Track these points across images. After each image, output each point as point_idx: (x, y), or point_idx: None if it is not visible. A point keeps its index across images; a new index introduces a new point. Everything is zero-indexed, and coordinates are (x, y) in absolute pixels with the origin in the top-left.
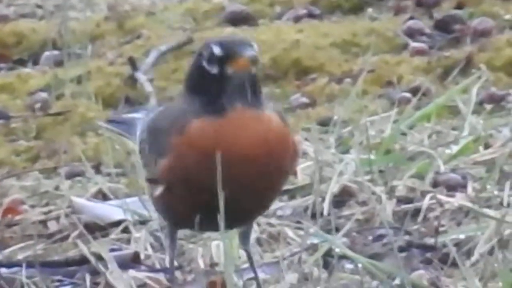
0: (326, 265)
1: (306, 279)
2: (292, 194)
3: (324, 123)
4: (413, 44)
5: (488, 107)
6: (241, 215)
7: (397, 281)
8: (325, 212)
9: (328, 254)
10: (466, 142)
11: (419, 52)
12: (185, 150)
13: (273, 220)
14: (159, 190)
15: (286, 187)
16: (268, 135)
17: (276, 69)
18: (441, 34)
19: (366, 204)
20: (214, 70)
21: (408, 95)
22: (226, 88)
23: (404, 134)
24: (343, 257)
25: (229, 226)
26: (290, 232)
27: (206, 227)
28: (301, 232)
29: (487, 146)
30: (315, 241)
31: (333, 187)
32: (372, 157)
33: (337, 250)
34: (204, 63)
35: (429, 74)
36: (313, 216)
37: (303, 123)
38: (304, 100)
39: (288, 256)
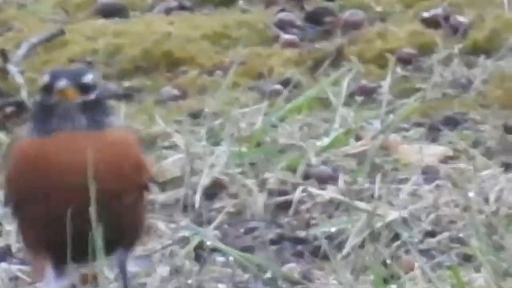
0: (198, 258)
1: (178, 272)
2: (163, 187)
3: (195, 115)
4: (284, 36)
5: (359, 99)
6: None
7: (268, 274)
8: (197, 205)
9: (200, 247)
10: (337, 134)
11: (290, 44)
12: (13, 163)
13: None
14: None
15: (156, 180)
16: (98, 153)
17: (147, 61)
18: (312, 26)
19: (237, 197)
20: (44, 98)
21: (279, 87)
22: (55, 114)
23: (275, 126)
24: (214, 250)
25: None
26: (161, 225)
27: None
28: (173, 225)
29: (358, 139)
30: (187, 233)
31: (204, 180)
32: (243, 149)
33: (208, 243)
34: (40, 92)
35: (300, 66)
36: (185, 208)
37: (174, 115)
38: (175, 92)
39: (160, 249)
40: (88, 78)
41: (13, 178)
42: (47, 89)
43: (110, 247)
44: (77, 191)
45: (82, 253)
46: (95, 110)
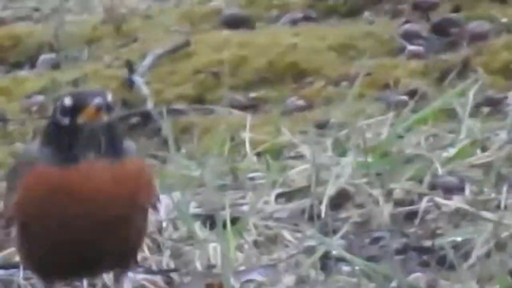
0: (323, 268)
1: (303, 282)
2: (289, 197)
3: (321, 125)
4: (410, 48)
5: (485, 110)
6: (97, 259)
7: (394, 284)
8: (322, 215)
9: (325, 256)
10: (463, 145)
11: (415, 55)
12: (27, 189)
13: (270, 223)
14: (14, 230)
15: (283, 189)
16: (114, 185)
17: (272, 72)
18: (437, 37)
19: (363, 207)
20: (66, 121)
21: (405, 98)
22: (78, 139)
23: (401, 137)
24: (340, 259)
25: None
26: (287, 235)
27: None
28: (299, 235)
29: (484, 149)
30: (312, 243)
31: (330, 190)
32: (369, 159)
33: (334, 252)
34: (57, 115)
35: (426, 77)
36: (310, 218)
37: (300, 126)
38: (301, 103)
39: (286, 258)
40: (110, 98)
41: (25, 203)
42: (70, 111)
43: (111, 266)
44: (95, 221)
45: (81, 272)
46: (113, 133)
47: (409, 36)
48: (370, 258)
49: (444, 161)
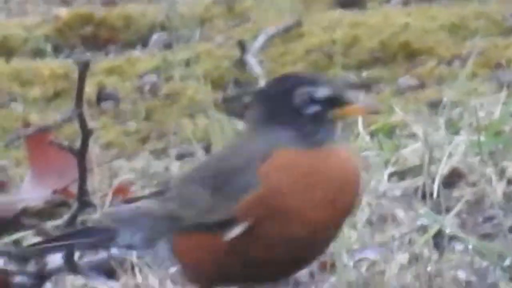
0: (437, 246)
1: (416, 260)
2: (402, 175)
3: (434, 105)
4: None
5: None
6: (310, 255)
7: (507, 262)
8: (435, 193)
9: (439, 234)
10: None
11: None
12: (277, 179)
13: (383, 201)
14: (235, 231)
15: (396, 168)
16: (353, 170)
17: (385, 52)
18: None
19: (476, 185)
20: (312, 110)
21: None
22: (322, 126)
23: None
24: (453, 237)
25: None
26: (400, 213)
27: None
28: (411, 213)
29: None
30: (425, 221)
31: (443, 169)
32: (482, 138)
33: (447, 230)
34: (299, 101)
35: None
36: (423, 197)
37: (412, 105)
38: (413, 82)
39: (399, 236)
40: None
41: (270, 194)
42: (323, 102)
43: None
44: (339, 209)
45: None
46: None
47: None
48: (484, 237)
49: None
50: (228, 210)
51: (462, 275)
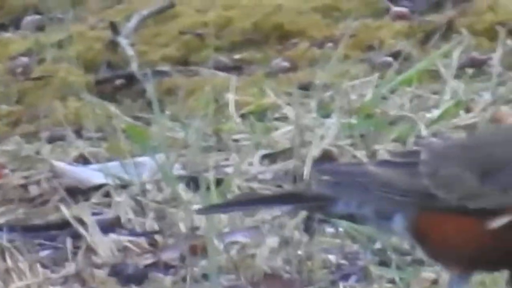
0: (307, 229)
1: (287, 243)
2: (272, 158)
3: (305, 87)
4: (395, 9)
5: (469, 71)
6: None
7: (378, 245)
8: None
9: (309, 218)
10: (447, 106)
11: (400, 17)
12: None
13: (254, 184)
14: (502, 220)
15: (267, 151)
16: None
17: (257, 33)
18: None
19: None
20: None
21: (389, 59)
22: None
23: (385, 98)
24: (323, 220)
25: None
26: None
27: None
28: None
29: (468, 111)
30: None
31: (314, 151)
32: (353, 121)
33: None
34: None
35: (411, 38)
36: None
37: (285, 87)
38: (286, 64)
39: (269, 220)
40: None
41: None
42: None
43: None
44: None
45: None
46: None
47: None
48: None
49: (428, 123)
50: (500, 200)
51: (332, 258)
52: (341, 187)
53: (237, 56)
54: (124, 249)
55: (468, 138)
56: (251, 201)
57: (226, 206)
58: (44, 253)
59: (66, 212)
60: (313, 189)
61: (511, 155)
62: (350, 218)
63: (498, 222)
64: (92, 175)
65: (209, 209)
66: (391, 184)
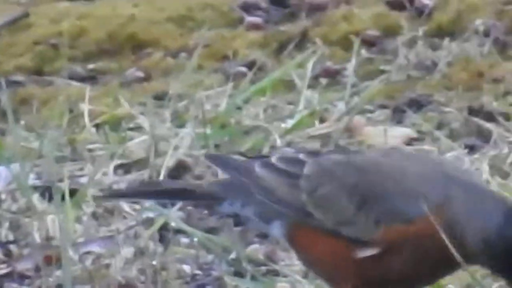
0: (162, 239)
1: (142, 253)
2: (128, 168)
3: (160, 97)
4: (249, 19)
5: (324, 81)
6: None
7: (232, 255)
8: None
9: (164, 228)
10: (302, 116)
11: (254, 27)
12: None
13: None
14: (367, 252)
15: (122, 161)
16: None
17: (112, 43)
18: (276, 8)
19: (202, 178)
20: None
21: (243, 69)
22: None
23: (239, 108)
24: (179, 231)
25: None
26: (125, 206)
27: None
28: (137, 206)
29: (322, 121)
30: (151, 215)
31: (169, 161)
32: (208, 131)
33: (172, 224)
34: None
35: (265, 48)
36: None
37: (139, 97)
38: (140, 74)
39: (124, 230)
40: None
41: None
42: None
43: None
44: None
45: None
46: None
47: (248, 7)
48: (209, 230)
49: (283, 132)
50: (370, 231)
51: (187, 268)
52: (229, 186)
53: (91, 66)
54: None
55: (353, 159)
56: (149, 192)
57: (125, 194)
58: None
59: None
60: (205, 187)
61: (389, 189)
62: (235, 218)
63: (366, 252)
64: None
65: (110, 196)
66: (271, 190)
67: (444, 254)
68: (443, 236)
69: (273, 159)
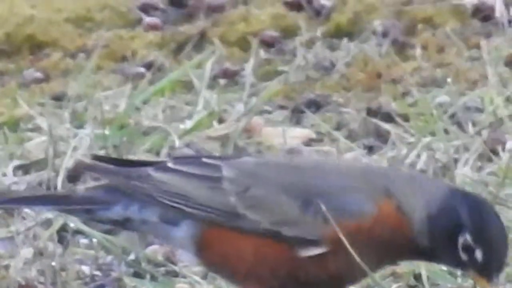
0: (61, 240)
1: (41, 254)
2: (26, 169)
3: (59, 98)
4: (147, 19)
5: (222, 82)
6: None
7: (132, 256)
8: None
9: (63, 229)
10: (201, 117)
11: (153, 27)
12: (384, 223)
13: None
14: (313, 251)
15: (21, 162)
16: None
17: (10, 44)
18: (175, 9)
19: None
20: (464, 257)
21: (142, 70)
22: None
23: (138, 109)
24: (77, 232)
25: None
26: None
27: None
28: (36, 208)
29: (221, 121)
30: (50, 216)
31: (68, 162)
32: (107, 132)
33: (71, 225)
34: (459, 244)
35: (163, 49)
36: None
37: (38, 98)
38: (38, 75)
39: (23, 231)
40: None
41: (359, 238)
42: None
43: None
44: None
45: None
46: None
47: (146, 8)
48: (108, 231)
49: (182, 133)
50: (318, 230)
51: (86, 269)
52: (119, 191)
53: None
54: None
55: (284, 160)
56: (17, 199)
57: None
58: None
59: None
60: (83, 192)
61: (333, 187)
62: (121, 223)
63: (312, 251)
64: None
65: None
66: (181, 194)
67: (390, 247)
68: (393, 228)
69: (171, 164)
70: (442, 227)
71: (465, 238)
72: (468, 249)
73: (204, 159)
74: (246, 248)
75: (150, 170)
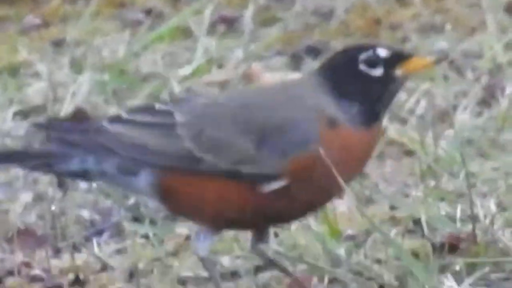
0: (61, 185)
1: (41, 199)
2: (25, 115)
3: (58, 44)
4: None
5: (221, 28)
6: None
7: (131, 201)
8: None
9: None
10: (200, 63)
11: None
12: (333, 149)
13: (8, 141)
14: (274, 185)
15: (19, 108)
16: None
17: None
18: None
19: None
20: (377, 72)
21: (141, 16)
22: (385, 94)
23: (137, 55)
24: None
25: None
26: None
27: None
28: None
29: (220, 67)
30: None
31: (67, 108)
32: (106, 77)
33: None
34: (361, 66)
35: None
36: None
37: (37, 44)
38: (38, 21)
39: (22, 175)
40: None
41: (316, 161)
42: (385, 62)
43: None
44: (346, 181)
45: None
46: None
47: None
48: None
49: (181, 79)
50: (276, 165)
51: (85, 214)
52: (73, 144)
53: None
54: None
55: (230, 97)
56: None
57: None
58: None
59: None
60: (38, 147)
61: (290, 120)
62: (81, 175)
63: (273, 186)
64: None
65: None
66: (138, 144)
67: (351, 153)
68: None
69: (125, 115)
70: (343, 70)
71: (364, 56)
72: (372, 62)
73: (157, 107)
74: (209, 191)
75: (104, 123)
